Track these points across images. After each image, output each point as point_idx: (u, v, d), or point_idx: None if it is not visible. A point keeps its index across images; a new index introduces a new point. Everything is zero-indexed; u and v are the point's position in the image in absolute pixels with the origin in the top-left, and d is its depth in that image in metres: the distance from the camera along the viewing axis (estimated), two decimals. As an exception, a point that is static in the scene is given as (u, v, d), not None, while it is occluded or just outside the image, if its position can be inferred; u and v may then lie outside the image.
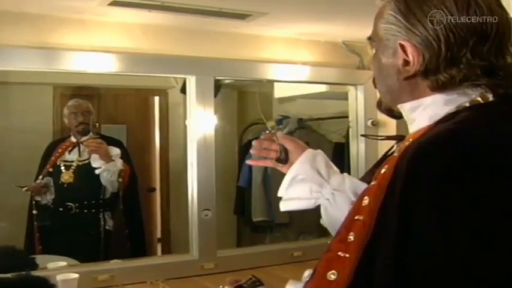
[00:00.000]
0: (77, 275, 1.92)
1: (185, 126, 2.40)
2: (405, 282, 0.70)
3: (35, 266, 2.14)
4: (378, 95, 1.00)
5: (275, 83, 3.31)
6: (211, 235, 2.33)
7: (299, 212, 3.56)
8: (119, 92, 3.43)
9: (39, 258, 2.24)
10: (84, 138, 2.80)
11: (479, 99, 0.82)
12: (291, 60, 2.55)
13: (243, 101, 3.76)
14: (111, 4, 1.98)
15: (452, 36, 0.81)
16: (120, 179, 2.74)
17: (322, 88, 2.83)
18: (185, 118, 2.41)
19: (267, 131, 1.33)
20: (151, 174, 3.58)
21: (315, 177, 1.18)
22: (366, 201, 0.81)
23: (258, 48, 2.50)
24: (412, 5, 0.84)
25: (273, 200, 3.30)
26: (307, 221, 3.28)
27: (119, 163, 2.74)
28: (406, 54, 0.85)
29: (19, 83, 3.06)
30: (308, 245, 2.58)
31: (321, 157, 1.23)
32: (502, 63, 0.83)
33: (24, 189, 2.69)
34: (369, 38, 0.95)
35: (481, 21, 0.81)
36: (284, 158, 1.25)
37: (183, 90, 2.48)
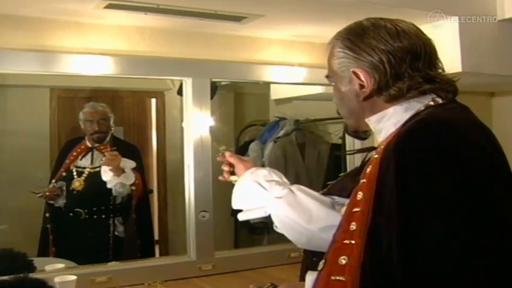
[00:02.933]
0: (74, 277, 1.92)
1: (182, 128, 2.41)
2: (411, 251, 0.82)
3: (33, 269, 2.14)
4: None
5: (272, 85, 3.33)
6: (208, 236, 2.34)
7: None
8: (116, 94, 3.42)
9: (37, 261, 2.24)
10: (98, 144, 2.78)
11: (432, 103, 1.01)
12: (287, 61, 2.56)
13: (240, 102, 3.77)
14: (107, 7, 1.99)
15: (392, 57, 1.01)
16: (134, 187, 2.72)
17: (319, 89, 2.84)
18: (182, 120, 2.41)
19: (220, 154, 1.51)
20: (148, 176, 3.57)
21: (256, 189, 1.30)
22: (360, 195, 0.94)
23: (254, 50, 2.51)
24: (355, 40, 1.04)
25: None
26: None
27: (131, 177, 2.67)
28: (360, 79, 1.04)
29: (16, 85, 3.06)
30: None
31: (262, 171, 1.35)
32: (436, 73, 1.04)
33: (38, 195, 2.67)
34: (327, 76, 1.14)
35: (411, 43, 1.02)
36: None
37: (180, 92, 2.49)
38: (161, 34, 2.32)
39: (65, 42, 2.13)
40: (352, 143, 2.71)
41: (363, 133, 1.14)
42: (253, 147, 3.41)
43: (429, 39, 1.06)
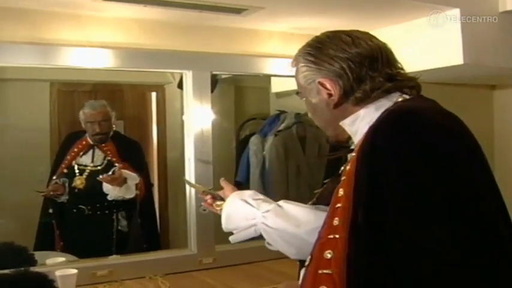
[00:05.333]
0: (75, 271, 1.92)
1: (182, 122, 2.40)
2: (385, 242, 0.86)
3: (33, 262, 2.14)
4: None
5: (272, 78, 3.32)
6: (209, 230, 2.34)
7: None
8: (116, 88, 3.41)
9: (38, 255, 2.24)
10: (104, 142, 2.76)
11: (400, 99, 1.06)
12: (287, 54, 2.54)
13: (240, 96, 3.76)
14: (106, -1, 1.98)
15: (352, 63, 1.07)
16: (138, 191, 2.71)
17: (320, 82, 2.83)
18: (182, 113, 2.41)
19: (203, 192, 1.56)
20: (149, 169, 3.58)
21: (244, 207, 1.33)
22: (341, 192, 0.97)
23: (255, 42, 2.50)
24: (315, 53, 1.11)
25: (271, 195, 3.30)
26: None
27: (132, 191, 2.67)
28: (326, 88, 1.09)
29: (16, 79, 3.05)
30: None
31: (248, 192, 1.39)
32: (396, 71, 1.10)
33: (41, 194, 2.66)
34: (297, 93, 1.21)
35: (367, 48, 1.08)
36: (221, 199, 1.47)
37: (180, 85, 2.48)
38: (161, 26, 2.30)
39: (64, 35, 2.12)
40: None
41: (345, 141, 1.18)
42: (253, 140, 3.41)
43: (384, 43, 1.12)
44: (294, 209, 1.25)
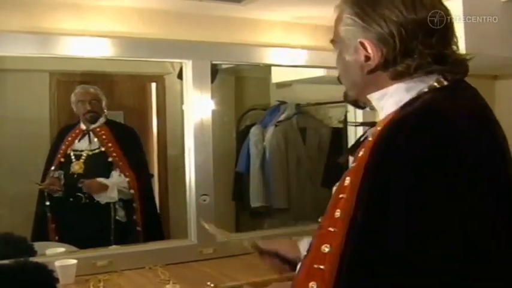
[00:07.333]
0: (75, 261, 1.92)
1: (182, 112, 2.39)
2: (382, 250, 0.79)
3: (33, 253, 2.14)
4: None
5: (272, 68, 3.30)
6: (209, 220, 2.32)
7: (297, 198, 3.55)
8: (115, 78, 3.40)
9: (38, 245, 2.24)
10: (93, 126, 2.77)
11: (436, 84, 0.93)
12: (288, 44, 2.52)
13: (241, 86, 3.74)
14: (105, -12, 1.96)
15: (404, 31, 0.92)
16: (132, 190, 2.72)
17: (320, 72, 2.81)
18: (182, 104, 2.39)
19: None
20: (149, 160, 3.57)
21: None
22: (347, 181, 0.91)
23: (255, 32, 2.47)
24: (366, 8, 0.96)
25: (271, 185, 3.31)
26: (306, 206, 3.29)
27: (115, 193, 2.69)
28: (366, 51, 0.96)
29: (15, 70, 3.04)
30: (306, 230, 2.58)
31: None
32: (450, 51, 0.96)
33: (39, 187, 2.67)
34: (332, 41, 1.06)
35: (427, 15, 0.93)
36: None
37: (180, 76, 2.46)
38: (160, 16, 2.28)
39: (63, 24, 2.10)
40: (353, 128, 2.69)
41: (363, 103, 1.07)
42: (254, 131, 3.40)
43: (448, 11, 0.98)
44: None
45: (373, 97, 1.01)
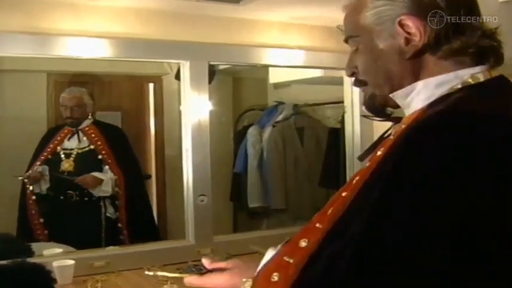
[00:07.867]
0: (72, 262, 1.92)
1: (180, 113, 2.39)
2: (367, 259, 0.68)
3: (31, 253, 2.13)
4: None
5: (270, 69, 3.31)
6: (207, 220, 2.33)
7: (295, 198, 3.54)
8: (113, 79, 3.41)
9: (35, 246, 2.24)
10: (80, 127, 2.79)
11: (470, 80, 0.81)
12: (285, 44, 2.53)
13: (238, 87, 3.75)
14: (103, -12, 1.96)
15: (450, 1, 0.81)
16: (117, 188, 2.74)
17: (318, 73, 2.82)
18: (180, 104, 2.39)
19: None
20: (146, 161, 3.57)
21: None
22: (356, 179, 0.80)
23: (253, 32, 2.48)
24: None
25: (269, 186, 3.31)
26: (304, 206, 3.30)
27: (109, 186, 2.72)
28: (408, 30, 0.83)
29: (13, 70, 3.04)
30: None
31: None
32: (487, 28, 0.85)
33: (20, 178, 2.68)
34: (349, 37, 0.92)
35: None
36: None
37: (178, 76, 2.47)
38: (158, 16, 2.28)
39: (60, 25, 2.09)
40: (351, 129, 2.69)
41: (390, 110, 0.93)
42: (251, 131, 3.40)
43: None
44: None
45: (398, 95, 0.87)
